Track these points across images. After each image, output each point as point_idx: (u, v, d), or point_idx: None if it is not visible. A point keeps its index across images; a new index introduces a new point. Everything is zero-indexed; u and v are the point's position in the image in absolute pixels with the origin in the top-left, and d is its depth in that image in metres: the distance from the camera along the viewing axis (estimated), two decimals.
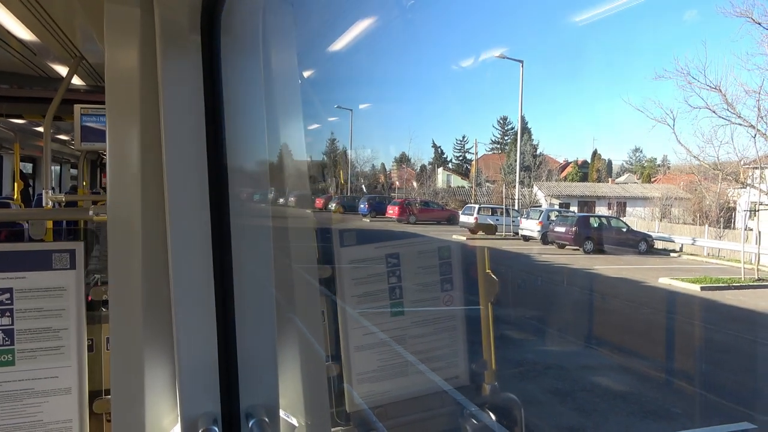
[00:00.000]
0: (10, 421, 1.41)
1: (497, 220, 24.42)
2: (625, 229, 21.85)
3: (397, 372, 1.80)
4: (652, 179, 37.04)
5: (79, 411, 1.48)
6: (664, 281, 14.33)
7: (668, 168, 36.48)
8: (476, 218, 23.97)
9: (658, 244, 21.61)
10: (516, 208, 27.00)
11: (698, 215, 24.21)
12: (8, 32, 4.21)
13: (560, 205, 29.73)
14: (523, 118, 39.19)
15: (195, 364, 1.15)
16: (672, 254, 20.82)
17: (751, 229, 18.09)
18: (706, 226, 22.13)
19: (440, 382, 1.84)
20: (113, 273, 1.17)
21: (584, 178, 40.51)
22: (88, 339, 1.54)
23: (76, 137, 5.06)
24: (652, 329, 10.35)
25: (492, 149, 45.56)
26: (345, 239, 1.78)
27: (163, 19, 1.15)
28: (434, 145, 45.89)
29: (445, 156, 46.32)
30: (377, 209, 28.58)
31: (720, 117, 18.49)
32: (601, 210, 29.76)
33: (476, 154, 44.37)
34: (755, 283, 14.37)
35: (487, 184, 37.49)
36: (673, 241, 21.60)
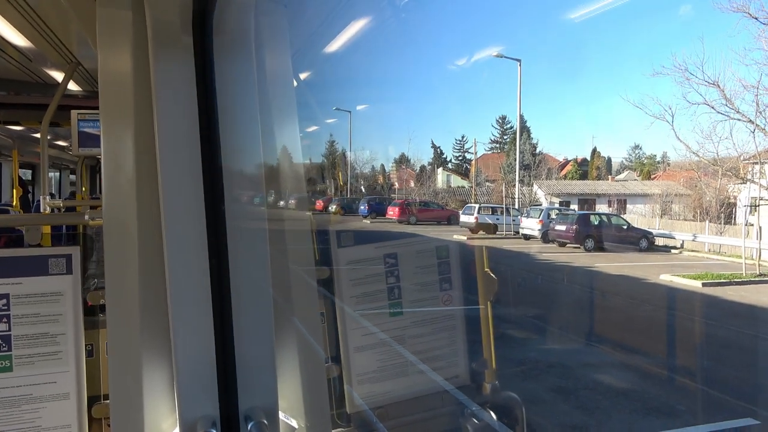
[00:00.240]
0: (9, 427, 1.41)
1: (498, 219, 24.40)
2: (625, 227, 21.83)
3: (397, 372, 1.80)
4: (652, 176, 37.02)
5: (77, 416, 1.47)
6: (666, 278, 14.32)
7: (668, 165, 36.49)
8: (476, 218, 23.96)
9: (659, 241, 21.59)
10: (516, 207, 27.00)
11: (698, 211, 24.20)
12: (3, 39, 4.22)
13: (560, 203, 29.73)
14: (521, 117, 39.25)
15: (193, 367, 1.15)
16: (673, 251, 20.80)
17: (752, 225, 18.09)
18: (707, 222, 22.12)
19: (441, 382, 1.84)
20: (110, 277, 1.17)
21: (584, 176, 40.51)
22: (87, 344, 1.54)
23: (74, 143, 5.06)
24: (654, 326, 10.34)
25: (491, 149, 45.60)
26: (343, 240, 1.77)
27: (154, 20, 1.14)
28: (433, 146, 45.93)
29: (444, 156, 46.35)
30: (377, 210, 28.59)
31: (719, 112, 18.51)
32: (602, 208, 29.75)
33: (475, 153, 44.40)
34: (757, 279, 14.35)
35: (487, 183, 37.49)
36: (674, 238, 21.58)
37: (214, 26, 1.19)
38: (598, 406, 6.56)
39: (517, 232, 23.20)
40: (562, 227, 20.92)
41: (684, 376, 7.82)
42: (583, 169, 42.00)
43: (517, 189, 30.79)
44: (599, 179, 38.44)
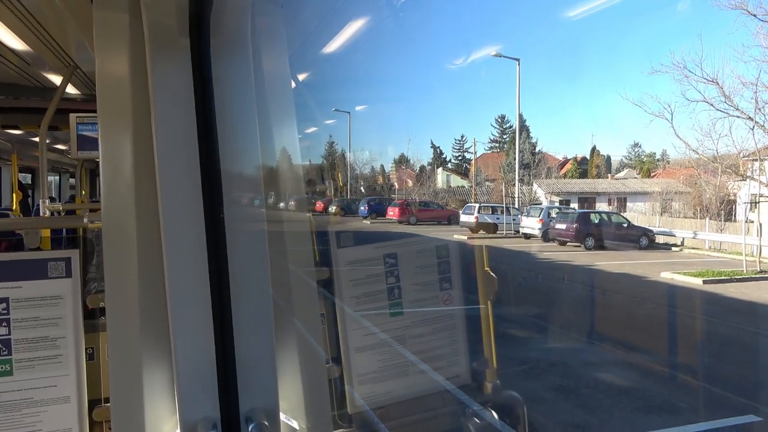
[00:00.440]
0: (10, 431, 1.41)
1: (498, 218, 24.41)
2: (625, 225, 21.83)
3: (398, 372, 1.80)
4: (652, 174, 37.04)
5: (78, 419, 1.47)
6: (666, 275, 14.31)
7: (667, 162, 36.50)
8: (477, 217, 23.97)
9: (659, 239, 21.59)
10: (516, 206, 27.01)
11: (699, 209, 24.21)
12: (1, 43, 4.22)
13: (560, 202, 29.76)
14: (521, 116, 39.28)
15: (193, 369, 1.14)
16: (673, 248, 20.80)
17: (752, 222, 18.08)
18: (707, 219, 22.13)
19: (442, 382, 1.84)
20: (109, 280, 1.17)
21: (584, 174, 40.54)
22: (88, 347, 1.53)
23: (72, 146, 5.06)
24: (655, 324, 10.34)
25: (491, 148, 45.63)
26: (343, 240, 1.77)
27: (151, 22, 1.14)
28: (433, 146, 45.95)
29: (444, 156, 46.38)
30: (377, 211, 28.59)
31: (718, 110, 18.54)
32: (602, 206, 29.77)
33: (475, 153, 44.41)
34: (757, 275, 14.35)
35: (487, 183, 37.51)
36: (674, 236, 21.58)
37: (211, 28, 1.19)
38: (600, 404, 6.56)
39: (518, 232, 23.21)
40: (563, 226, 20.92)
41: (685, 373, 7.82)
42: (582, 167, 42.01)
43: (516, 188, 30.81)
44: (599, 178, 38.47)
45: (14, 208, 7.99)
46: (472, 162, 42.86)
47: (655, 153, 41.70)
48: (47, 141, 5.01)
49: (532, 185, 33.08)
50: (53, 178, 17.62)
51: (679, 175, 29.16)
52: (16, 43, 4.20)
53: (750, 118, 17.80)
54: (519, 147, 34.91)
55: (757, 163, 18.87)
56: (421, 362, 1.82)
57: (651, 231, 21.72)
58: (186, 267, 1.15)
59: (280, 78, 1.40)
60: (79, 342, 1.47)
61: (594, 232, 20.38)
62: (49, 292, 1.45)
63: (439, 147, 45.95)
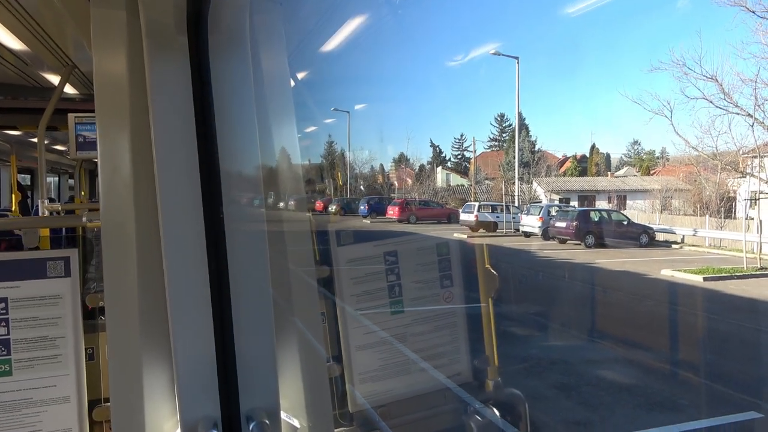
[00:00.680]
0: (9, 431, 1.40)
1: (497, 217, 24.40)
2: (625, 223, 21.83)
3: (399, 370, 1.79)
4: (652, 172, 37.02)
5: (78, 419, 1.47)
6: (667, 273, 14.31)
7: (667, 160, 36.47)
8: (476, 216, 23.95)
9: (660, 236, 21.59)
10: (516, 204, 27.00)
11: (698, 206, 24.19)
12: None
13: (560, 200, 29.75)
14: (520, 115, 39.26)
15: (193, 368, 1.14)
16: (673, 246, 20.80)
17: (752, 218, 18.07)
18: (707, 216, 22.11)
19: (443, 380, 1.84)
20: (108, 279, 1.16)
21: (583, 172, 40.52)
22: (88, 348, 1.53)
23: (71, 146, 5.05)
24: (655, 321, 10.34)
25: (490, 147, 45.63)
26: (343, 239, 1.77)
27: (149, 20, 1.13)
28: (432, 145, 45.94)
29: (443, 155, 46.37)
30: (377, 210, 28.58)
31: (717, 107, 18.50)
32: (601, 204, 29.76)
33: (474, 152, 44.39)
34: (758, 272, 14.35)
35: (487, 181, 37.49)
36: (674, 233, 21.58)
37: (210, 26, 1.19)
38: (601, 402, 6.55)
39: (518, 230, 23.20)
40: (563, 224, 20.92)
41: (686, 370, 7.82)
42: (582, 165, 42.00)
43: (516, 186, 30.79)
44: (599, 175, 38.46)
45: (13, 209, 7.98)
46: (472, 161, 42.85)
47: (654, 150, 41.71)
48: (46, 142, 5.00)
49: (531, 183, 33.06)
50: (52, 179, 17.61)
51: (679, 173, 29.14)
52: (13, 43, 4.19)
53: (749, 115, 17.78)
54: (518, 145, 34.91)
55: (756, 160, 18.85)
56: (422, 360, 1.82)
57: (651, 228, 21.72)
58: (186, 266, 1.14)
59: (279, 76, 1.39)
60: (79, 342, 1.47)
61: (594, 230, 20.38)
62: (48, 291, 1.44)
63: (438, 146, 45.97)
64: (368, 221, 27.47)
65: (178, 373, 1.13)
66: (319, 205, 28.71)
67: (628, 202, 30.17)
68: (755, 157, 18.72)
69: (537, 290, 13.22)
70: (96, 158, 1.22)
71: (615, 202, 30.22)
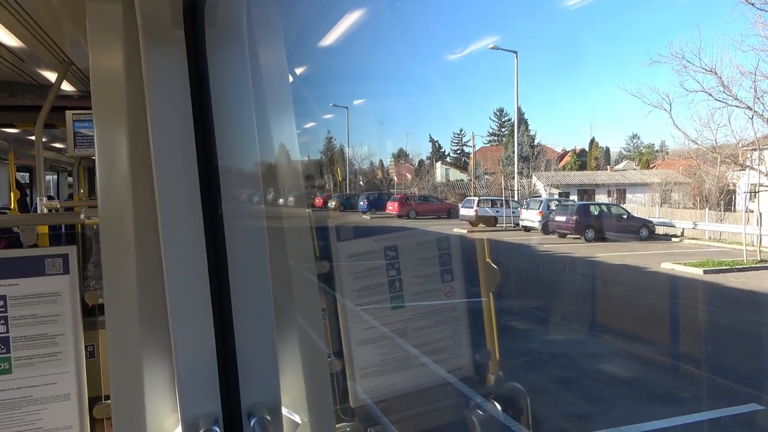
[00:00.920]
0: (10, 429, 1.40)
1: (497, 211, 24.40)
2: (625, 216, 21.83)
3: (400, 365, 1.79)
4: (651, 165, 36.99)
5: (79, 417, 1.46)
6: (667, 266, 14.31)
7: (666, 153, 36.43)
8: (476, 211, 23.95)
9: (659, 230, 21.58)
10: (516, 199, 26.99)
11: (698, 199, 24.19)
12: None
13: (560, 194, 29.73)
14: (519, 109, 39.21)
15: (194, 365, 1.13)
16: (673, 239, 20.80)
17: (752, 211, 18.08)
18: (707, 209, 22.11)
19: (444, 374, 1.83)
20: (107, 276, 1.16)
21: (583, 166, 40.51)
22: (88, 345, 1.52)
23: (69, 144, 5.03)
24: (656, 314, 10.35)
25: (489, 141, 45.60)
26: (343, 234, 1.76)
27: (145, 14, 1.12)
28: (432, 140, 45.91)
29: (442, 150, 46.34)
30: (376, 205, 28.59)
31: (716, 100, 18.45)
32: (601, 198, 29.75)
33: (474, 146, 44.34)
34: (758, 265, 14.35)
35: (486, 176, 37.46)
36: (674, 226, 21.58)
37: (206, 18, 1.18)
38: (602, 395, 6.57)
39: (517, 224, 23.20)
40: (562, 218, 20.91)
41: (687, 363, 7.83)
42: (581, 159, 41.99)
43: (516, 181, 30.77)
44: (598, 169, 38.46)
45: (12, 207, 7.97)
46: (471, 155, 42.79)
47: (653, 144, 41.65)
48: (44, 139, 4.99)
49: (531, 178, 33.04)
50: (51, 177, 17.60)
51: (678, 166, 29.12)
52: (9, 40, 4.17)
53: (749, 107, 17.73)
54: (518, 140, 34.87)
55: (756, 153, 18.84)
56: (423, 355, 1.81)
57: (651, 222, 21.72)
58: (185, 263, 1.14)
59: (277, 71, 1.38)
60: (79, 339, 1.46)
61: (594, 223, 20.37)
62: (46, 288, 1.44)
63: (437, 141, 45.93)
64: (368, 217, 27.47)
65: (178, 370, 1.12)
66: (318, 201, 28.72)
67: (627, 195, 30.16)
68: (755, 149, 18.70)
69: (537, 284, 13.23)
70: (94, 155, 1.21)
71: (614, 195, 30.21)
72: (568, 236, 20.41)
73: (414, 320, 1.81)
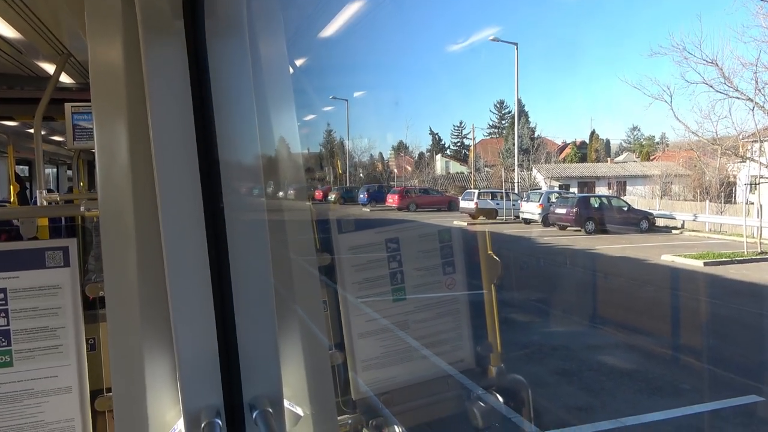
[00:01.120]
0: (11, 422, 1.40)
1: (497, 204, 24.40)
2: (625, 208, 21.84)
3: (401, 358, 1.79)
4: (651, 157, 36.93)
5: (81, 409, 1.46)
6: (667, 258, 14.33)
7: (667, 145, 36.36)
8: (476, 203, 23.95)
9: (660, 222, 21.60)
10: (516, 191, 26.98)
11: (698, 191, 24.17)
12: None
13: (560, 186, 29.70)
14: (519, 101, 39.11)
15: (195, 357, 1.13)
16: (674, 231, 20.82)
17: (752, 203, 18.08)
18: (707, 201, 22.11)
19: (446, 366, 1.83)
20: (108, 268, 1.15)
21: (583, 158, 40.45)
22: (89, 338, 1.52)
23: (68, 136, 5.02)
24: (656, 306, 10.37)
25: (489, 134, 45.50)
26: (343, 227, 1.76)
27: (144, 4, 1.11)
28: (431, 132, 45.82)
29: (442, 142, 46.25)
30: (376, 198, 28.57)
31: (717, 91, 18.41)
32: (601, 190, 29.74)
33: (474, 139, 44.26)
34: (758, 257, 14.38)
35: (486, 168, 37.41)
36: (675, 218, 21.59)
37: (206, 9, 1.16)
38: (603, 387, 6.59)
39: (518, 217, 23.21)
40: (563, 210, 20.92)
41: (687, 355, 7.86)
42: (582, 151, 41.91)
43: (516, 173, 30.75)
44: (598, 162, 38.40)
45: (12, 200, 7.97)
46: (471, 148, 42.71)
47: (654, 136, 41.54)
48: (43, 132, 4.98)
49: (531, 170, 32.99)
50: (51, 171, 17.59)
51: (679, 158, 29.08)
52: (8, 31, 4.15)
53: (750, 99, 17.70)
54: (518, 132, 34.79)
55: (756, 145, 18.80)
56: (424, 347, 1.81)
57: (651, 214, 21.72)
58: (186, 255, 1.13)
59: (277, 62, 1.37)
60: (80, 332, 1.46)
61: (594, 216, 20.38)
62: (47, 281, 1.43)
63: (437, 133, 45.84)
64: (368, 209, 27.46)
65: (179, 363, 1.12)
66: (318, 193, 28.71)
67: (628, 187, 30.14)
68: (755, 141, 18.67)
69: (538, 277, 13.24)
70: (93, 148, 1.20)
71: (615, 188, 30.19)
72: (568, 228, 20.42)
73: (415, 312, 1.81)
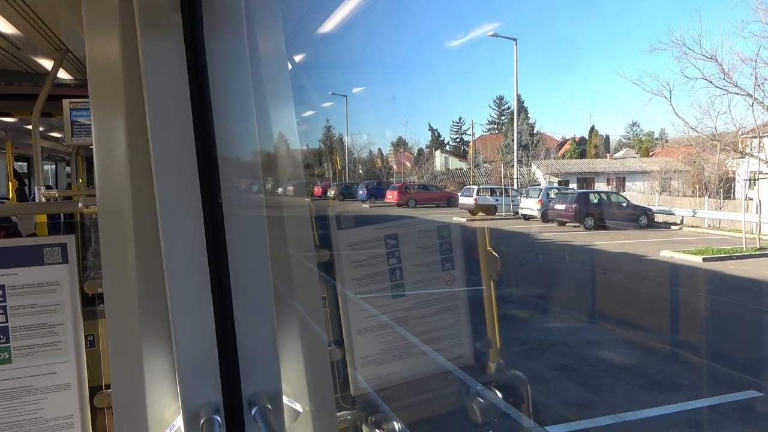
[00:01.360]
0: (10, 419, 1.40)
1: (497, 200, 24.41)
2: (625, 204, 21.85)
3: (400, 354, 1.79)
4: (651, 153, 36.95)
5: (80, 406, 1.46)
6: (666, 254, 14.35)
7: (666, 141, 36.37)
8: (476, 199, 23.96)
9: (659, 218, 21.62)
10: (515, 187, 26.99)
11: (698, 187, 24.19)
12: None
13: (559, 182, 29.73)
14: (519, 97, 39.08)
15: (194, 354, 1.13)
16: (673, 227, 20.84)
17: (751, 199, 18.08)
18: (706, 197, 22.12)
19: (445, 362, 1.83)
20: (106, 265, 1.15)
21: (582, 154, 40.47)
22: (88, 334, 1.52)
23: (66, 132, 5.01)
24: (655, 302, 10.38)
25: (489, 130, 45.49)
26: (342, 223, 1.75)
27: None
28: (431, 128, 45.80)
29: (442, 138, 46.25)
30: (376, 194, 28.58)
31: (717, 87, 18.39)
32: (601, 186, 29.76)
33: (473, 135, 44.24)
34: (757, 252, 14.39)
35: (485, 164, 37.40)
36: (674, 214, 21.61)
37: (204, 4, 1.16)
38: (602, 383, 6.60)
39: (517, 213, 23.22)
40: (562, 206, 20.93)
41: (686, 350, 7.87)
42: (581, 147, 41.92)
43: (515, 169, 30.74)
44: (597, 157, 38.42)
45: (10, 196, 7.96)
46: (471, 144, 42.69)
47: (653, 132, 41.59)
48: (41, 128, 4.97)
49: (530, 166, 33.00)
50: (50, 167, 17.56)
51: (678, 154, 29.08)
52: (5, 27, 4.13)
53: (749, 94, 17.68)
54: (517, 128, 34.77)
55: (756, 140, 18.79)
56: (423, 343, 1.81)
57: (650, 210, 21.74)
58: (184, 251, 1.13)
59: (276, 57, 1.36)
60: (78, 328, 1.46)
61: (593, 212, 20.40)
62: (45, 278, 1.43)
63: (436, 129, 45.83)
64: (367, 206, 27.46)
65: (178, 359, 1.12)
66: (317, 190, 28.70)
67: (627, 183, 30.17)
68: (755, 137, 18.65)
69: (537, 273, 13.26)
70: (92, 144, 1.20)
71: (614, 183, 30.22)
72: (567, 224, 20.43)
73: (414, 309, 1.80)
